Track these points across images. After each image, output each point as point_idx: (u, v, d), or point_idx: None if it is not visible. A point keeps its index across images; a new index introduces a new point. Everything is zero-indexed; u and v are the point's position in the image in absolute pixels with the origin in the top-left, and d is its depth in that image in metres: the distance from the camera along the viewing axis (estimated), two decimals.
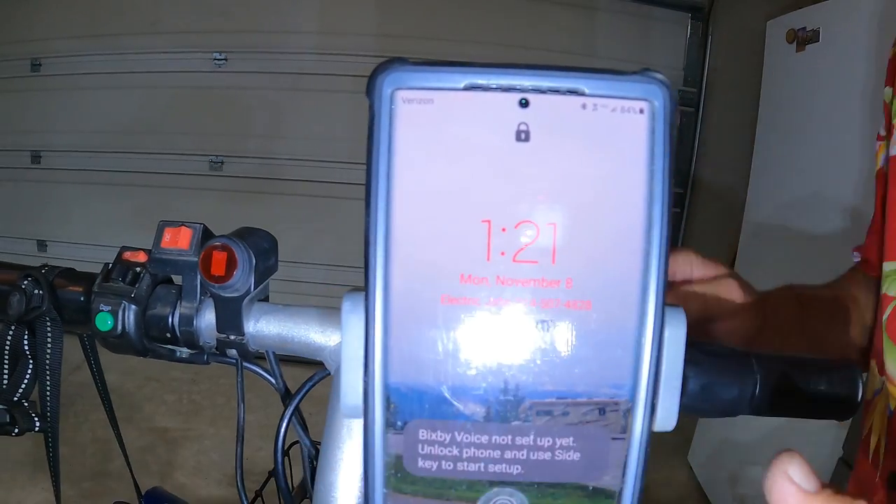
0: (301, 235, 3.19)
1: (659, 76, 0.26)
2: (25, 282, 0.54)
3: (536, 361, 0.26)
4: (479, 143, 0.25)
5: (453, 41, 3.10)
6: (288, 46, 3.17)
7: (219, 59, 3.25)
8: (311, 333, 0.49)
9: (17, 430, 0.57)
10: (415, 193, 0.25)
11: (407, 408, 0.26)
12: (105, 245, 3.35)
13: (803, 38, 1.86)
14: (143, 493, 0.80)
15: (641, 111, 0.25)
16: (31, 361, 0.57)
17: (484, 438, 0.26)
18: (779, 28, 2.00)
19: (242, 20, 3.20)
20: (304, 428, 0.57)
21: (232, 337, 0.49)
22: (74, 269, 0.56)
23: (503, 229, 0.25)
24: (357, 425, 0.47)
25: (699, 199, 3.23)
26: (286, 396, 0.55)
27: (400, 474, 0.26)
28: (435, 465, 0.26)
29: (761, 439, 1.95)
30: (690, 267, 0.59)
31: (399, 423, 0.26)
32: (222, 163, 3.35)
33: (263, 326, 0.49)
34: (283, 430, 0.53)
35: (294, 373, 0.58)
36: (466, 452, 0.26)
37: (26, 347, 0.56)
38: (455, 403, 0.26)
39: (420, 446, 0.26)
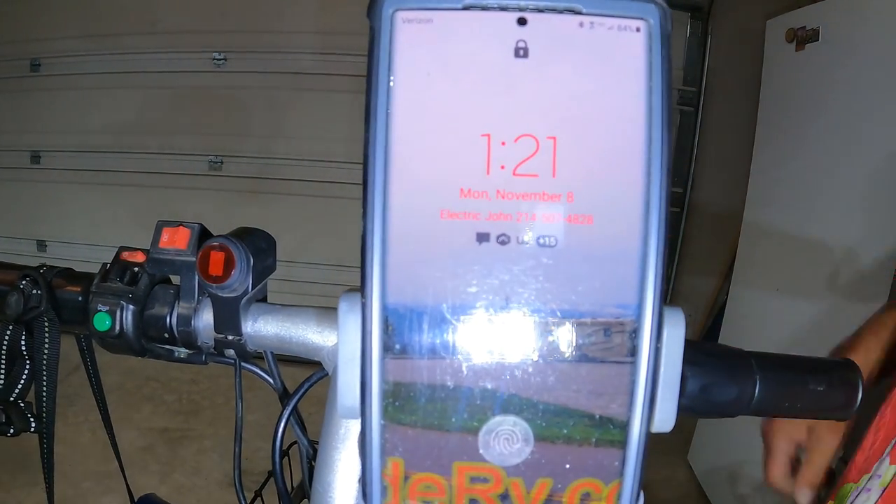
0: (300, 235, 3.18)
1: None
2: (24, 282, 0.54)
3: (539, 278, 0.25)
4: (478, 61, 0.25)
5: None
6: (287, 46, 3.16)
7: (218, 59, 3.24)
8: (309, 333, 0.48)
9: (12, 431, 0.56)
10: (414, 111, 0.25)
11: (406, 330, 0.25)
12: (104, 245, 3.34)
13: (803, 37, 1.85)
14: (136, 499, 0.80)
15: (638, 29, 0.26)
16: (27, 362, 0.56)
17: (485, 366, 0.25)
18: (778, 27, 2.00)
19: (242, 20, 3.19)
20: (303, 428, 0.57)
21: (230, 337, 0.49)
22: (73, 270, 0.56)
23: (503, 143, 0.25)
24: (355, 426, 0.47)
25: (698, 198, 3.23)
26: (284, 397, 0.55)
27: (399, 403, 0.25)
28: (434, 392, 0.26)
29: (761, 439, 1.94)
30: None
31: (398, 347, 0.25)
32: (222, 163, 3.34)
33: (261, 326, 0.49)
34: (281, 430, 0.53)
35: (292, 373, 0.58)
36: (468, 378, 0.25)
37: (23, 348, 0.56)
38: (455, 322, 0.25)
39: (420, 372, 0.25)
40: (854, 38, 1.65)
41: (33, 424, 0.57)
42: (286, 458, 0.59)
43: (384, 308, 0.25)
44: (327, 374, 0.50)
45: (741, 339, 2.18)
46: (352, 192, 3.13)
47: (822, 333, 1.73)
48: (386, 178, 0.25)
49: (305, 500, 0.64)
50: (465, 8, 0.25)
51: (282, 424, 0.53)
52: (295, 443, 0.59)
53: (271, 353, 0.53)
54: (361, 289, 0.25)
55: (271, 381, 0.55)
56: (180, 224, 0.49)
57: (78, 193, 3.49)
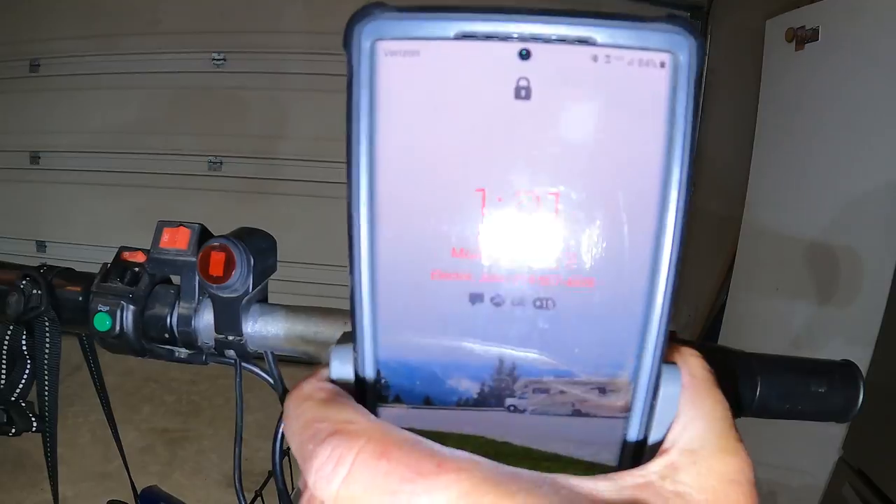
0: (299, 236, 3.18)
1: (685, 23, 0.22)
2: (24, 282, 0.54)
3: (533, 340, 0.24)
4: (472, 102, 0.22)
5: None
6: (286, 46, 3.16)
7: (218, 60, 3.24)
8: (310, 334, 0.48)
9: (14, 431, 0.56)
10: (400, 159, 0.23)
11: (398, 383, 0.24)
12: (104, 245, 3.33)
13: (802, 37, 1.85)
14: (139, 491, 0.80)
15: (662, 65, 0.22)
16: (28, 362, 0.56)
17: (479, 413, 0.25)
18: (778, 27, 2.00)
19: (241, 20, 3.19)
20: None
21: (230, 337, 0.49)
22: (73, 270, 0.56)
23: (499, 199, 0.23)
24: None
25: (698, 199, 3.23)
26: (284, 397, 0.55)
27: None
28: (429, 438, 0.24)
29: (761, 438, 1.95)
30: None
31: (391, 398, 0.25)
32: (221, 163, 3.34)
33: (262, 327, 0.49)
34: (281, 430, 0.53)
35: (293, 373, 0.58)
36: (461, 426, 0.25)
37: (24, 348, 0.56)
38: (447, 382, 0.24)
39: (414, 419, 0.25)
40: (854, 38, 1.65)
41: (35, 424, 0.57)
42: (286, 458, 0.59)
43: (376, 362, 0.24)
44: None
45: (741, 339, 2.18)
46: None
47: (822, 334, 1.73)
48: (372, 234, 0.23)
49: None
50: (458, 38, 0.22)
51: (282, 425, 0.53)
52: None
53: (272, 353, 0.53)
54: (353, 343, 0.24)
55: (271, 381, 0.55)
56: (181, 224, 0.49)
57: (78, 194, 3.49)
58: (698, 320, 3.21)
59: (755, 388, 0.42)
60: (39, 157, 3.51)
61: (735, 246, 2.35)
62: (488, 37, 0.22)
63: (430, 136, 0.23)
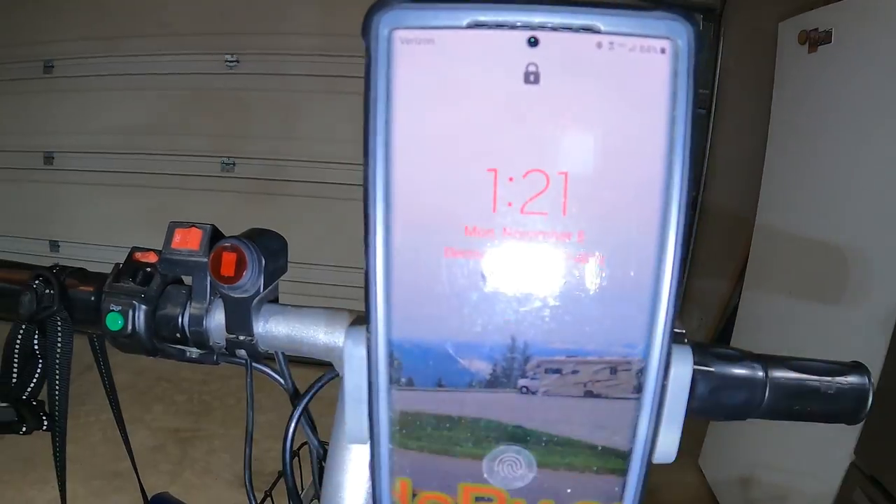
0: (311, 236, 3.19)
1: (682, 12, 0.24)
2: (36, 282, 0.54)
3: (545, 319, 0.24)
4: (484, 86, 0.23)
5: None
6: (297, 48, 3.17)
7: (230, 62, 3.25)
8: (321, 334, 0.48)
9: (24, 429, 0.57)
10: (415, 141, 0.24)
11: (411, 364, 0.25)
12: (117, 246, 3.35)
13: (815, 39, 1.84)
14: (149, 497, 0.80)
15: (663, 51, 0.23)
16: (40, 361, 0.57)
17: (490, 395, 0.25)
18: (791, 29, 1.99)
19: (253, 22, 3.20)
20: (313, 429, 0.57)
21: (241, 337, 0.49)
22: (85, 270, 0.57)
23: (510, 178, 0.24)
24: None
25: (710, 200, 3.22)
26: (295, 397, 0.55)
27: (405, 430, 0.26)
28: (440, 422, 0.26)
29: (773, 442, 1.94)
30: None
31: (403, 380, 0.25)
32: (234, 164, 3.35)
33: (273, 327, 0.49)
34: (291, 431, 0.53)
35: (303, 373, 0.58)
36: (473, 409, 0.25)
37: (36, 347, 0.56)
38: (460, 361, 0.25)
39: (426, 402, 0.25)
40: (867, 41, 1.64)
41: (45, 423, 0.58)
42: (296, 458, 0.60)
43: (389, 343, 0.25)
44: (338, 375, 0.50)
45: (753, 341, 2.17)
46: (360, 194, 3.12)
47: (835, 336, 1.72)
48: (387, 213, 0.24)
49: (315, 500, 0.64)
50: (470, 26, 0.23)
51: (292, 425, 0.53)
52: (305, 443, 0.59)
53: (282, 353, 0.53)
54: (367, 324, 0.25)
55: (282, 381, 0.55)
56: (192, 225, 0.49)
57: (90, 194, 3.51)
58: (710, 323, 3.19)
59: (764, 389, 0.41)
60: (53, 158, 3.54)
61: (748, 248, 2.34)
62: (498, 25, 0.23)
63: (444, 119, 0.24)
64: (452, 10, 0.23)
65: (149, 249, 0.52)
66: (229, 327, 0.49)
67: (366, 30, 0.24)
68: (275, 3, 3.17)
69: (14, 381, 0.57)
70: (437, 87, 0.24)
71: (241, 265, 0.45)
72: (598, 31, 0.23)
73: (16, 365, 0.56)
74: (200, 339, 0.50)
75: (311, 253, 3.24)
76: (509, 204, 0.24)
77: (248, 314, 0.48)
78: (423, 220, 0.24)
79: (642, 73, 0.23)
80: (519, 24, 0.23)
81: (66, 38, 3.36)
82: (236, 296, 0.47)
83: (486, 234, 0.24)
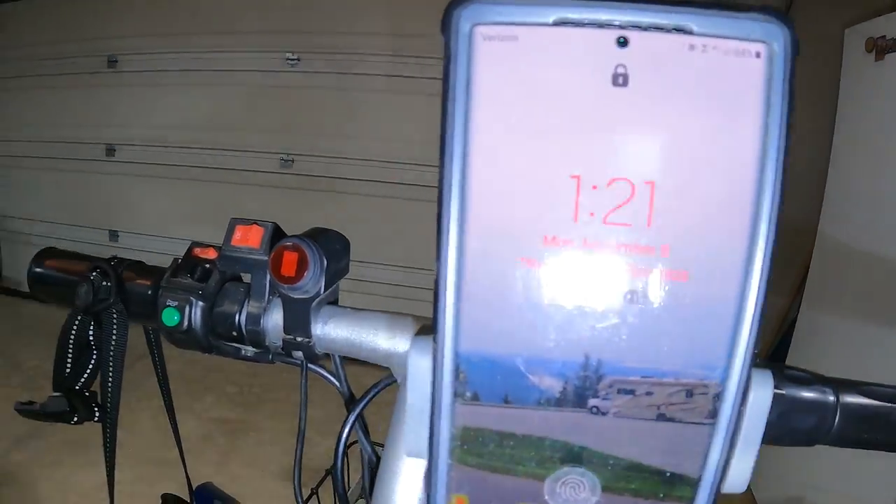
0: (370, 236, 3.20)
1: (779, 14, 0.22)
2: (94, 273, 0.54)
3: (622, 336, 0.23)
4: (569, 88, 0.22)
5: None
6: (359, 48, 3.18)
7: (292, 59, 3.28)
8: (380, 339, 0.47)
9: (76, 419, 0.57)
10: (495, 143, 0.23)
11: (477, 378, 0.24)
12: (175, 238, 3.44)
13: (883, 47, 1.77)
14: (194, 487, 0.80)
15: (758, 55, 0.22)
16: (95, 352, 0.57)
17: (558, 414, 0.24)
18: (857, 36, 1.91)
19: (316, 21, 3.23)
20: (367, 434, 0.56)
21: (299, 339, 0.48)
22: (143, 263, 0.56)
23: (594, 187, 0.23)
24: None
25: None
26: (350, 401, 0.54)
27: (466, 446, 0.25)
28: (503, 439, 0.25)
29: (826, 464, 1.87)
30: None
31: (468, 394, 0.24)
32: (293, 161, 3.38)
33: (331, 330, 0.48)
34: (345, 436, 0.52)
35: (358, 373, 0.56)
36: (538, 428, 0.24)
37: (91, 338, 0.56)
38: (529, 377, 0.24)
39: (490, 418, 0.24)
40: None
41: (97, 414, 0.57)
42: (346, 456, 0.58)
43: (456, 355, 0.24)
44: (395, 381, 0.48)
45: (810, 359, 2.10)
46: (423, 194, 3.14)
47: None
48: (462, 218, 0.23)
49: (361, 499, 0.63)
50: (557, 24, 0.22)
51: (346, 430, 0.51)
52: (355, 441, 0.57)
53: (339, 357, 0.52)
54: (434, 333, 0.24)
55: (338, 384, 0.54)
56: (254, 222, 0.48)
57: (150, 186, 3.59)
58: (767, 334, 3.11)
59: (834, 415, 0.39)
60: (115, 150, 3.62)
61: (808, 261, 2.26)
62: (586, 24, 0.22)
63: (526, 121, 0.23)
64: (539, 6, 0.22)
65: (208, 245, 0.51)
66: (287, 328, 0.48)
67: (445, 25, 0.23)
68: (337, 2, 3.20)
69: (68, 371, 0.57)
70: (520, 86, 0.23)
71: (302, 265, 0.44)
72: (690, 33, 0.22)
73: (70, 355, 0.56)
74: (257, 339, 0.49)
75: (371, 251, 3.25)
76: (591, 213, 0.23)
77: (307, 315, 0.47)
78: (499, 228, 0.23)
79: (736, 78, 0.22)
80: (608, 22, 0.22)
81: (131, 33, 3.44)
82: (296, 296, 0.46)
83: (565, 244, 0.23)
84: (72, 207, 3.79)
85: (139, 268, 0.55)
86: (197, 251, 0.51)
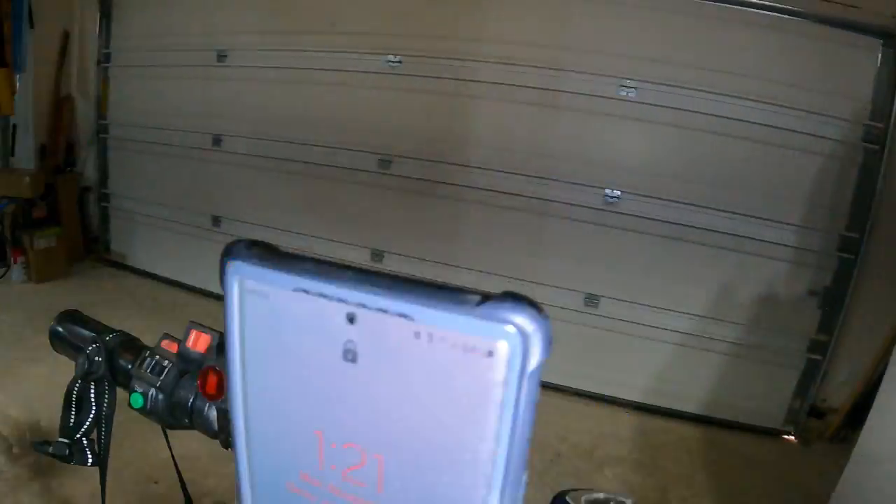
0: (458, 238, 3.22)
1: (523, 311, 0.21)
2: (91, 347, 0.62)
3: None
4: (310, 353, 0.24)
5: (631, 57, 2.97)
6: (462, 53, 3.18)
7: (393, 62, 3.32)
8: None
9: (73, 462, 0.66)
10: (262, 386, 0.26)
11: None
12: (273, 227, 3.56)
13: None
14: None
15: (490, 353, 0.21)
16: (93, 408, 0.65)
17: None
18: None
19: (419, 25, 3.26)
20: None
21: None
22: (135, 340, 0.64)
23: (332, 445, 0.25)
24: None
25: (876, 246, 2.93)
26: None
27: None
28: None
29: None
30: None
31: None
32: (391, 162, 3.42)
33: None
34: None
35: None
36: None
37: (92, 396, 0.64)
38: None
39: None
40: None
41: (90, 459, 0.66)
42: None
43: None
44: None
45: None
46: (521, 204, 3.14)
47: None
48: (247, 443, 0.27)
49: None
50: (297, 291, 0.24)
51: None
52: None
53: None
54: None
55: None
56: (204, 330, 0.54)
57: (253, 176, 3.74)
58: (858, 379, 2.93)
59: None
60: (221, 140, 3.79)
61: None
62: (321, 296, 0.24)
63: (280, 374, 0.25)
64: (281, 273, 0.25)
65: (174, 340, 0.58)
66: (220, 427, 0.53)
67: (221, 272, 0.26)
68: (441, 8, 3.22)
69: (72, 422, 0.65)
70: (273, 342, 0.25)
71: (221, 386, 0.49)
72: (413, 320, 0.22)
73: (73, 411, 0.64)
74: (205, 427, 0.55)
75: (455, 254, 3.29)
76: (332, 467, 0.25)
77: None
78: (271, 455, 0.27)
79: (466, 372, 0.22)
80: (340, 298, 0.23)
81: (239, 30, 3.60)
82: (225, 407, 0.51)
83: (316, 483, 0.26)
84: (178, 192, 3.99)
85: (130, 345, 0.63)
86: (164, 343, 0.58)
